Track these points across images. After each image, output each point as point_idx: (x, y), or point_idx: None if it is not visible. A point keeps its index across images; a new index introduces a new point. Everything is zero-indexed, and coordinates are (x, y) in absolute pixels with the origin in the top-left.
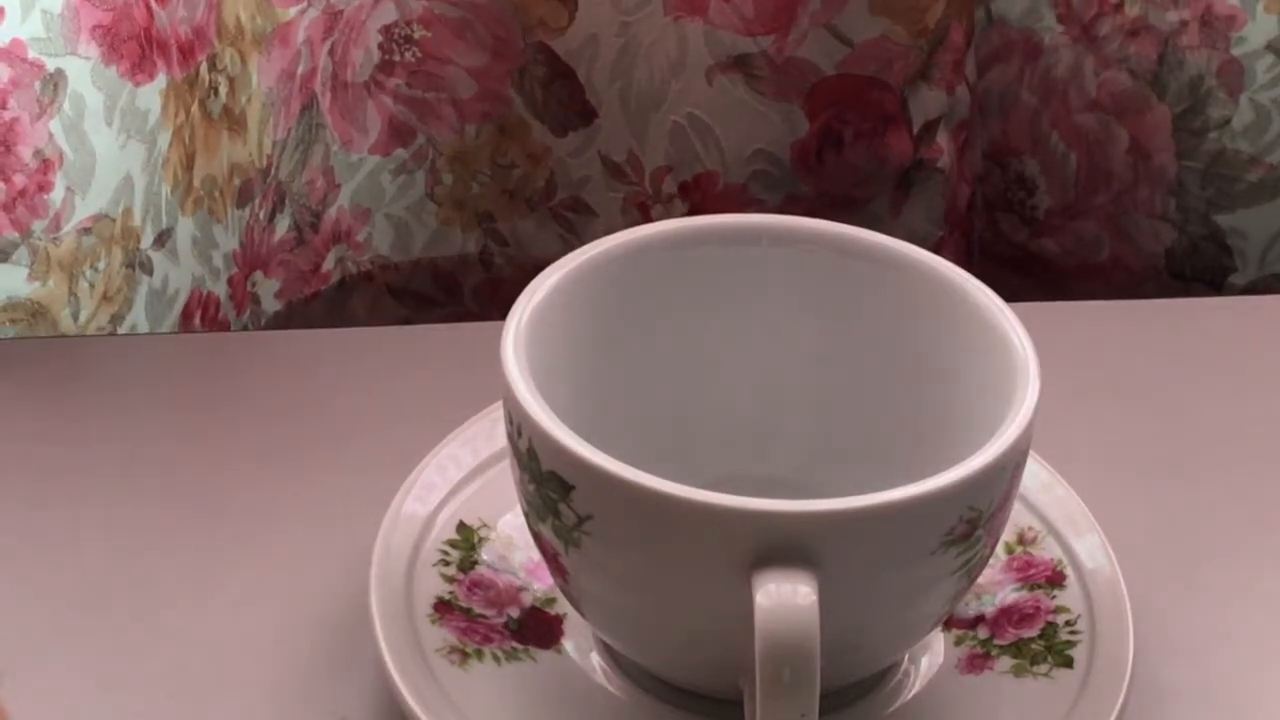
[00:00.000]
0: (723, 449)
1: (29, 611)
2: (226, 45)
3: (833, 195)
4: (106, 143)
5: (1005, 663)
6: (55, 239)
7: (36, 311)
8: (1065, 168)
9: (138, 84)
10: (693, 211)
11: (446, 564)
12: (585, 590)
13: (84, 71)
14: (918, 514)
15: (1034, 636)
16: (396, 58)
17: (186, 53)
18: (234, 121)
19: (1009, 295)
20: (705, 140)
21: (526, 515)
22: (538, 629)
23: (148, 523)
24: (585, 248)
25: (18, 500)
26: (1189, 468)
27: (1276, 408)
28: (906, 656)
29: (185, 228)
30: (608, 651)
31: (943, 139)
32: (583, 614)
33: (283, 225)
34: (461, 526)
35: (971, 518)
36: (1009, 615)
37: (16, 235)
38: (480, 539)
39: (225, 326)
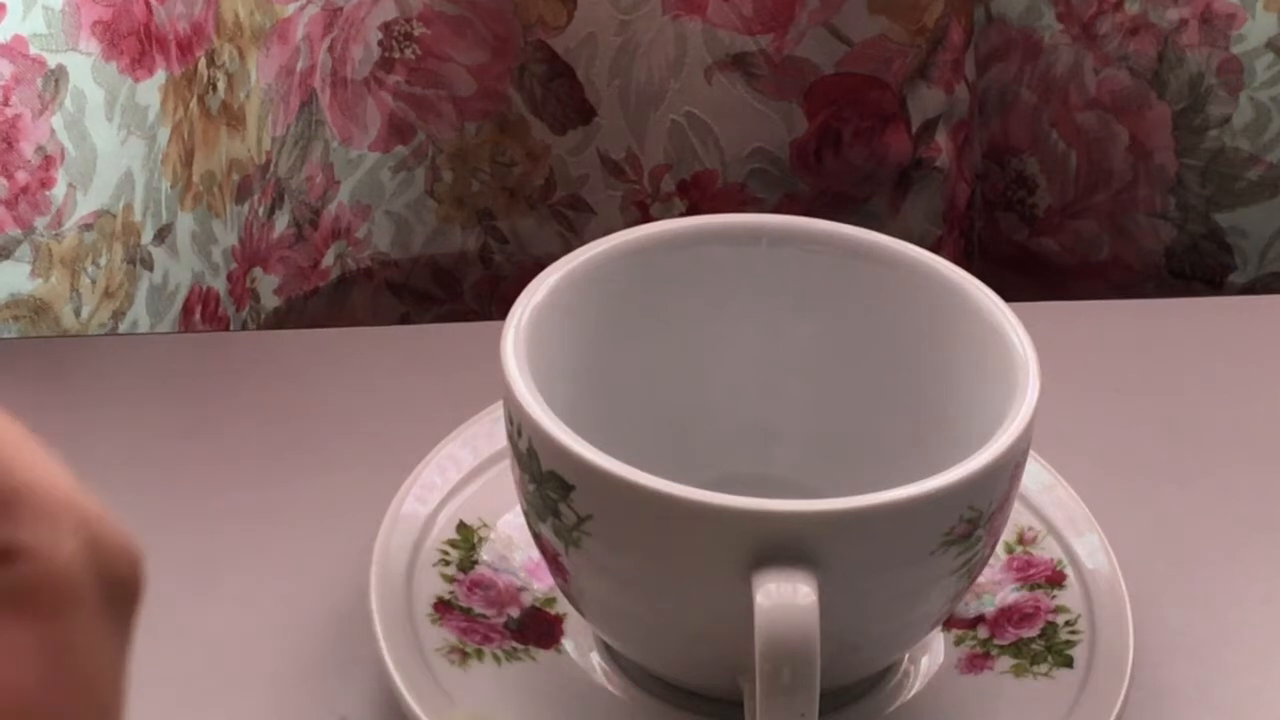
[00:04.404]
0: (723, 449)
1: None
2: (225, 41)
3: (832, 194)
4: (107, 138)
5: (1005, 663)
6: (57, 235)
7: (39, 308)
8: (1065, 166)
9: (137, 80)
10: (691, 210)
11: (446, 564)
12: (585, 590)
13: (85, 67)
14: (918, 514)
15: (1034, 636)
16: (396, 55)
17: (185, 49)
18: (233, 117)
19: (1009, 295)
20: (704, 139)
21: (526, 515)
22: (538, 629)
23: (147, 522)
24: (585, 248)
25: None
26: (1189, 468)
27: (1276, 408)
28: (906, 656)
29: (185, 223)
30: (608, 651)
31: (942, 138)
32: (583, 614)
33: (282, 221)
34: (461, 526)
35: (971, 518)
36: (1009, 615)
37: (19, 232)
38: (480, 539)
39: (225, 322)
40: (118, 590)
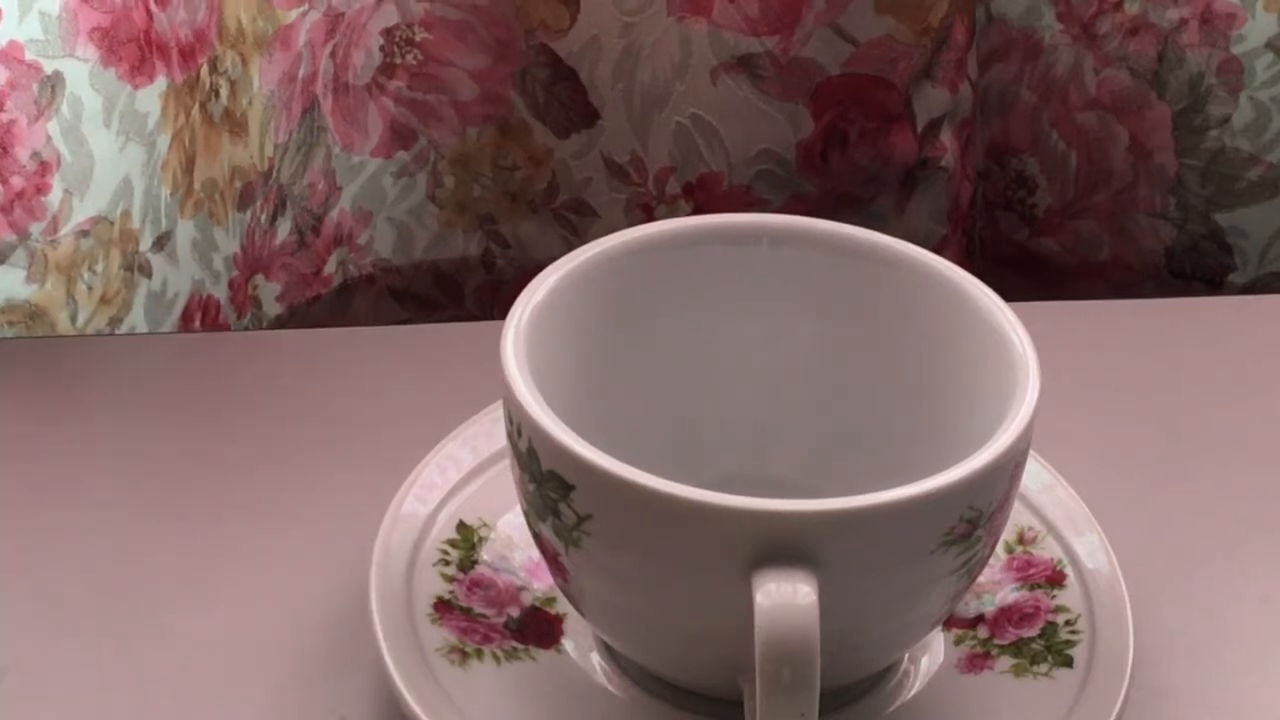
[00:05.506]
0: (723, 449)
1: (29, 611)
2: (228, 48)
3: (837, 195)
4: (105, 145)
5: (1005, 662)
6: (53, 241)
7: (34, 314)
8: (1065, 166)
9: (137, 86)
10: (697, 212)
11: (446, 564)
12: (585, 590)
13: (82, 74)
14: (918, 514)
15: (1034, 636)
16: (398, 60)
17: (187, 55)
18: (235, 124)
19: (1009, 295)
20: (710, 141)
21: (526, 515)
22: (538, 629)
23: (148, 523)
24: (585, 247)
25: (17, 500)
26: (1189, 468)
27: (1276, 408)
28: (906, 656)
29: (185, 230)
30: (608, 651)
31: (946, 137)
32: (583, 614)
33: (284, 228)
34: (461, 526)
35: (971, 518)
36: (1009, 615)
37: (14, 237)
38: (480, 539)
39: (226, 330)
40: None
